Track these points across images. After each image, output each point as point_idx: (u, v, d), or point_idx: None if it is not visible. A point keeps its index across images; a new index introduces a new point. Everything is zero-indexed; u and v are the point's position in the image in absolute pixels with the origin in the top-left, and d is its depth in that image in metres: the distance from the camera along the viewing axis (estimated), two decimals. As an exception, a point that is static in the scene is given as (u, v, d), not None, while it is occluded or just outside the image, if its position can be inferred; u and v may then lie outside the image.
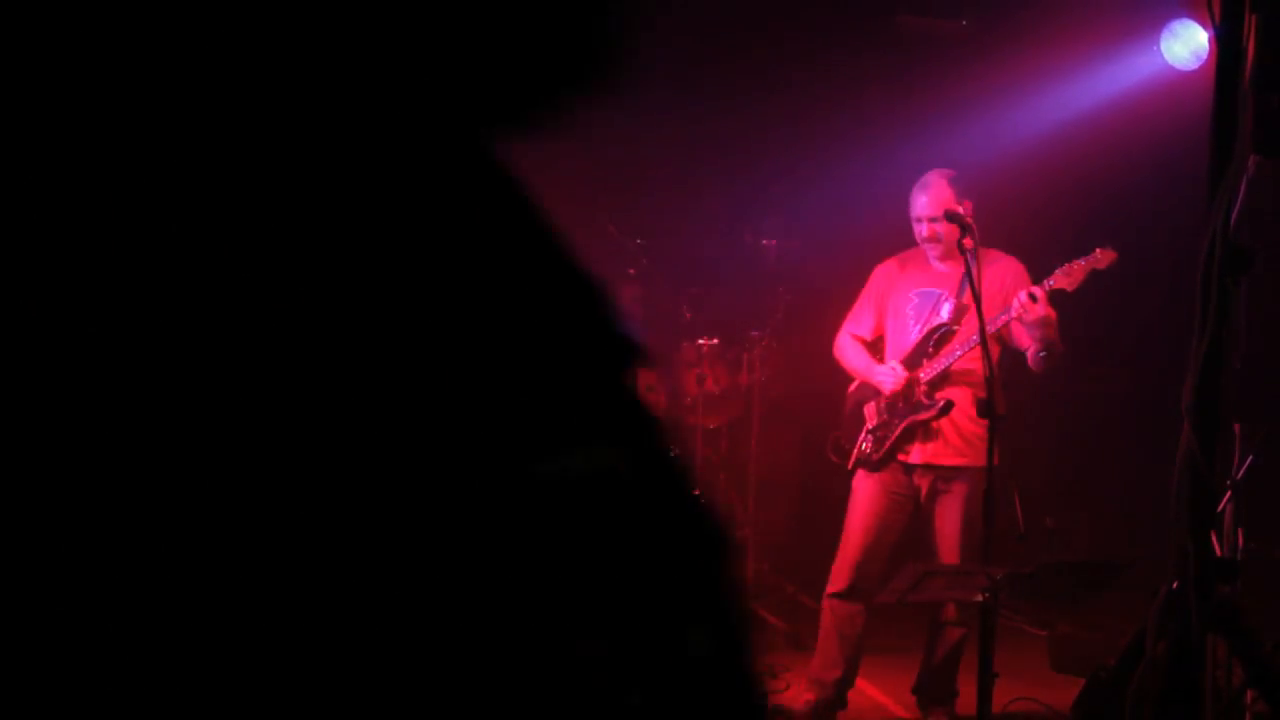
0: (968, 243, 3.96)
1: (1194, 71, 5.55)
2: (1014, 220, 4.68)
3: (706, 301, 6.62)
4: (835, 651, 4.50)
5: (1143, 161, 6.04)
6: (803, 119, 6.71)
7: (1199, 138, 2.95)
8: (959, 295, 4.47)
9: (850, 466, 4.62)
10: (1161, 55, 5.63)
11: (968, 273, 3.95)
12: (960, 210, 4.22)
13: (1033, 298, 4.12)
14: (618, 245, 6.71)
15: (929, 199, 4.48)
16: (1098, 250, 4.21)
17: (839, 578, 4.53)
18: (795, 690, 4.87)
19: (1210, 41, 5.41)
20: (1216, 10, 2.50)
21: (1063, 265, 4.23)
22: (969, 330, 4.36)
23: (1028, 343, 4.32)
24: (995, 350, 4.29)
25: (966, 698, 4.29)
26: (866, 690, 4.93)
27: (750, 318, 6.41)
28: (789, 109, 6.86)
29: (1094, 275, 4.20)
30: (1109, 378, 6.74)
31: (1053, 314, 4.17)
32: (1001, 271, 4.49)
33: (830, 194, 6.41)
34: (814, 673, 4.57)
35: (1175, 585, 2.41)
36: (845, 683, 4.55)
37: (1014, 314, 4.19)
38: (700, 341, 6.31)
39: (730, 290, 6.72)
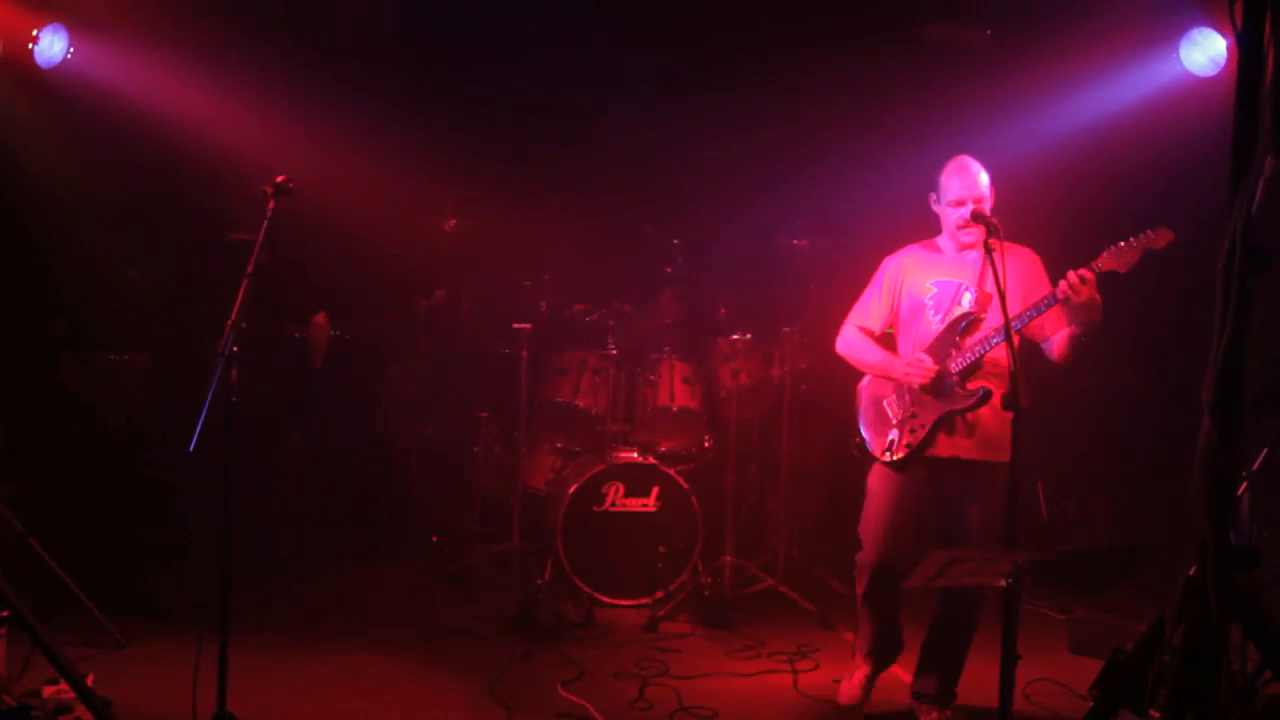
0: (994, 242, 3.80)
1: (1212, 77, 5.47)
2: (1039, 220, 4.59)
3: (741, 299, 6.61)
4: (867, 628, 4.47)
5: (1162, 163, 5.95)
6: (833, 125, 6.69)
7: (1217, 140, 2.90)
8: (981, 284, 4.26)
9: (879, 465, 4.37)
10: (1181, 62, 5.55)
11: (992, 266, 3.75)
12: (982, 209, 4.13)
13: (1083, 279, 3.89)
14: (656, 245, 6.71)
15: (972, 182, 4.28)
16: (1151, 230, 3.92)
17: (861, 578, 4.39)
18: (826, 670, 4.86)
19: (1228, 49, 5.35)
20: (1238, 18, 2.44)
21: (1111, 247, 3.93)
22: (996, 319, 4.13)
23: (1064, 327, 4.08)
24: (1015, 342, 4.15)
25: (986, 674, 4.26)
26: (892, 669, 4.90)
27: (782, 314, 6.39)
28: (820, 116, 6.84)
29: (1148, 255, 3.91)
30: (1128, 371, 6.67)
31: (1099, 297, 3.94)
32: (1023, 263, 4.26)
33: (859, 197, 6.37)
34: (862, 649, 4.52)
35: (1194, 572, 2.37)
36: (888, 650, 4.49)
37: (1061, 295, 3.94)
38: (735, 337, 6.31)
39: (763, 288, 6.70)
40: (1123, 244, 3.94)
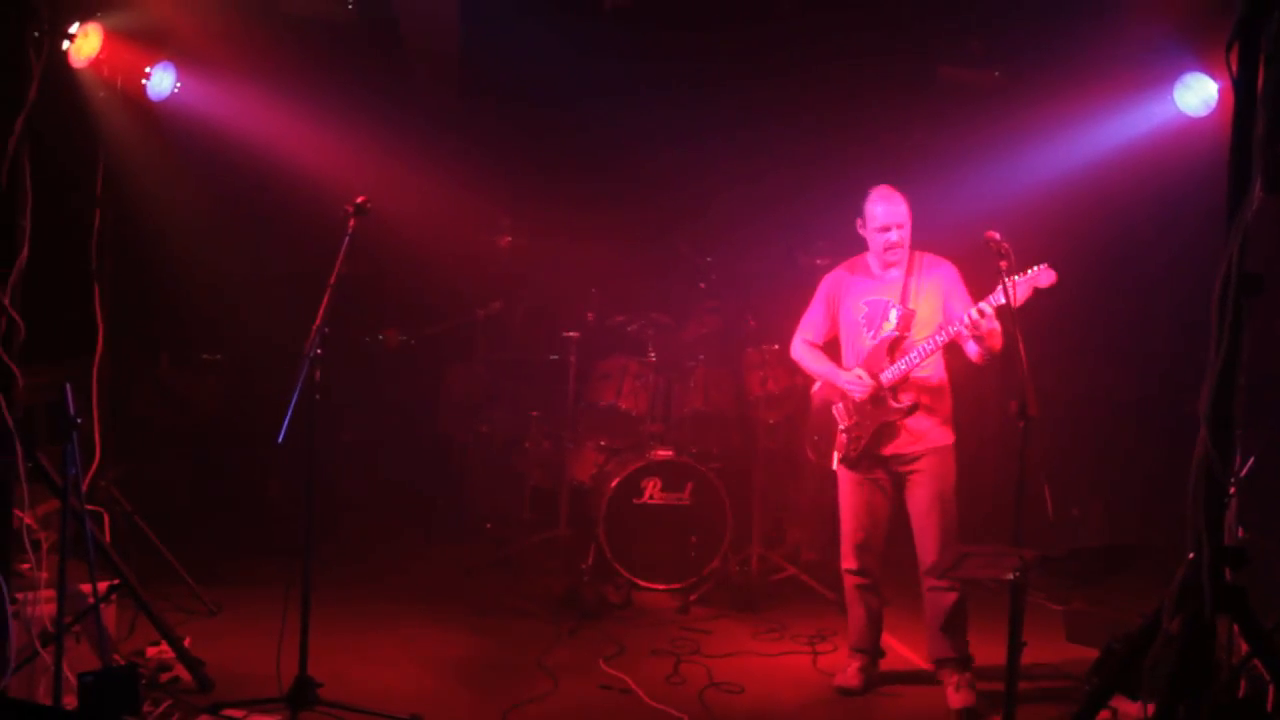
0: (1004, 265, 3.85)
1: (1204, 118, 5.42)
2: (1041, 249, 4.58)
3: (769, 312, 6.61)
4: (860, 617, 4.55)
5: (1157, 196, 5.92)
6: (853, 156, 6.67)
7: (1208, 177, 2.90)
8: (904, 300, 4.40)
9: (833, 466, 4.55)
10: (1175, 104, 5.50)
11: (1005, 291, 3.82)
12: (995, 236, 4.12)
13: (982, 313, 4.05)
14: (692, 263, 6.73)
15: (897, 209, 4.42)
16: (1036, 268, 4.02)
17: (847, 557, 4.55)
18: (843, 652, 4.85)
19: (1219, 92, 5.31)
20: (1234, 63, 2.44)
21: (1005, 280, 3.93)
22: (919, 335, 4.33)
23: (972, 346, 4.23)
24: (943, 352, 4.28)
25: (990, 659, 4.25)
26: (897, 647, 4.89)
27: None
28: (842, 148, 6.83)
29: (1037, 292, 4.02)
30: (1126, 386, 6.63)
31: (997, 327, 4.08)
32: (944, 277, 4.43)
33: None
34: (853, 642, 4.61)
35: (1190, 570, 2.37)
36: (875, 640, 4.59)
37: (966, 328, 4.11)
38: (763, 347, 6.30)
39: (788, 303, 6.69)
40: (1014, 279, 3.98)
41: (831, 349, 4.67)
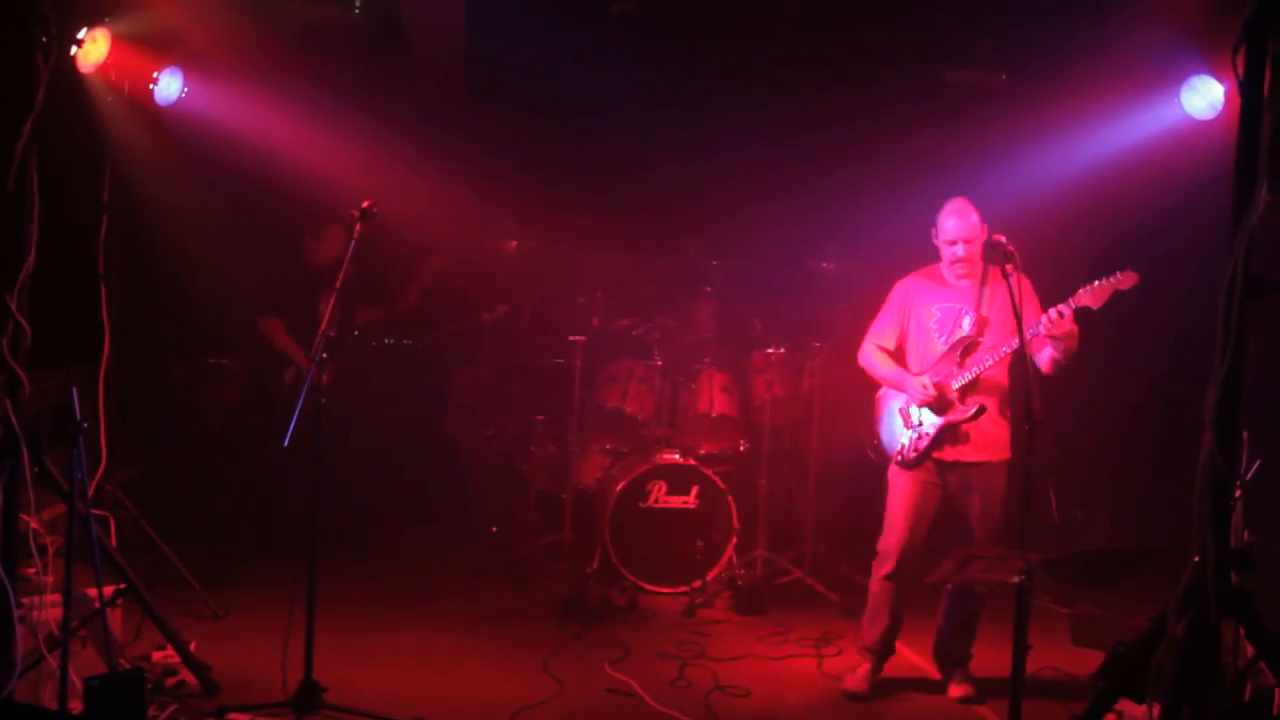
0: (1010, 268, 3.88)
1: (1210, 121, 5.41)
2: (1049, 249, 4.60)
3: (774, 316, 6.61)
4: (884, 622, 4.54)
5: (1163, 198, 5.90)
6: (861, 159, 6.68)
7: (1214, 178, 2.89)
8: (977, 308, 4.45)
9: (894, 464, 4.56)
10: (1181, 106, 5.49)
11: (1010, 293, 3.84)
12: (1001, 239, 4.13)
13: (1061, 315, 4.09)
14: (698, 266, 6.73)
15: (966, 223, 4.47)
16: (1120, 273, 4.11)
17: (888, 561, 4.52)
18: (848, 655, 4.84)
19: (1226, 95, 5.30)
20: (1240, 66, 2.44)
21: (1086, 284, 4.13)
22: (992, 341, 4.39)
23: (1048, 349, 4.25)
24: (1010, 359, 4.31)
25: (996, 662, 4.24)
26: (903, 651, 4.88)
27: (812, 331, 6.38)
28: (849, 151, 6.83)
29: (1117, 294, 4.10)
30: (1132, 389, 6.61)
31: (1076, 328, 4.14)
32: (1020, 288, 4.32)
33: (882, 224, 6.35)
34: (865, 641, 4.60)
35: (1195, 573, 2.36)
36: (890, 645, 4.61)
37: (1044, 328, 4.14)
38: (769, 351, 6.31)
39: (795, 306, 6.69)
40: (1096, 284, 4.11)
41: (899, 356, 4.69)
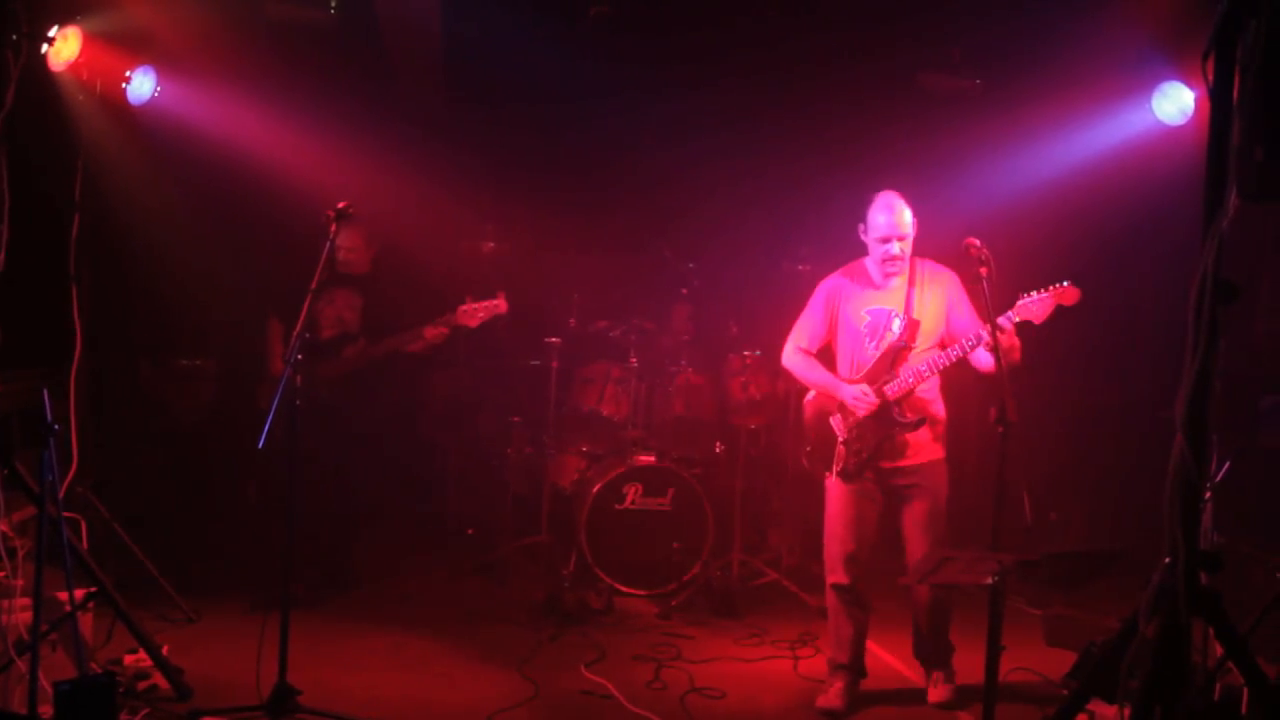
0: (983, 271, 3.75)
1: (1181, 127, 5.47)
2: (1019, 254, 4.60)
3: (751, 319, 6.62)
4: (848, 632, 4.41)
5: (1134, 204, 5.97)
6: (835, 162, 6.71)
7: (1185, 183, 2.92)
8: (907, 310, 4.27)
9: (832, 477, 4.36)
10: (1153, 112, 5.56)
11: (985, 297, 3.79)
12: (974, 243, 4.02)
13: (1001, 330, 3.88)
14: (673, 268, 6.74)
15: (900, 220, 4.25)
16: (1061, 285, 3.92)
17: (834, 571, 4.39)
18: (822, 660, 4.85)
19: (1196, 101, 5.36)
20: (1210, 73, 2.47)
21: (1025, 294, 3.92)
22: (923, 345, 4.24)
23: (990, 360, 4.02)
24: (954, 364, 4.18)
25: (970, 664, 4.27)
26: (880, 655, 4.90)
27: (788, 333, 6.38)
28: (823, 153, 6.87)
29: (1060, 309, 3.93)
30: (1103, 392, 6.67)
31: (1018, 341, 3.99)
32: (946, 286, 4.32)
33: (856, 228, 6.38)
34: (834, 656, 4.46)
35: (1165, 574, 2.38)
36: (860, 656, 4.47)
37: (986, 342, 3.97)
38: (745, 353, 6.31)
39: (770, 308, 6.71)
40: (1035, 295, 3.93)
41: (824, 357, 4.54)
